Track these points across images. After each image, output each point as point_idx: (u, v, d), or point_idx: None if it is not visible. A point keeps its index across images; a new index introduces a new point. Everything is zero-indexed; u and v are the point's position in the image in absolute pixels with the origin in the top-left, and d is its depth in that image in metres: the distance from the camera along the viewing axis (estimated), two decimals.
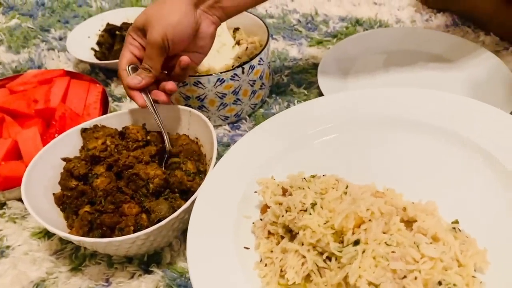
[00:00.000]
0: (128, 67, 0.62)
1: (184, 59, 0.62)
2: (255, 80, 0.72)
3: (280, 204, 0.46)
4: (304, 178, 0.49)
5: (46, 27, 1.04)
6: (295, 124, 0.57)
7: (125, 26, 0.91)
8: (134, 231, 0.53)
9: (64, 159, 0.61)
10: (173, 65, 0.63)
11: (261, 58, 0.71)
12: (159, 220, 0.53)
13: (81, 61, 0.89)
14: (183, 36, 0.60)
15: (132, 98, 0.62)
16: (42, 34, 1.02)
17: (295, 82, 0.82)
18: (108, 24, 0.93)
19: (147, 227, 0.52)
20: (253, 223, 0.49)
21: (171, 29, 0.59)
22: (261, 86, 0.75)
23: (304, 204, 0.44)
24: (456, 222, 0.44)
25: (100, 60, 0.89)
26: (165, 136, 0.62)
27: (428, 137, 0.52)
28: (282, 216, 0.45)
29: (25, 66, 0.93)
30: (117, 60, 0.84)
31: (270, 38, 0.74)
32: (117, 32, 0.90)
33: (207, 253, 0.45)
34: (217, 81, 0.69)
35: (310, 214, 0.43)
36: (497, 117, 0.51)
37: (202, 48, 0.65)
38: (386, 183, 0.47)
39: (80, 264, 0.58)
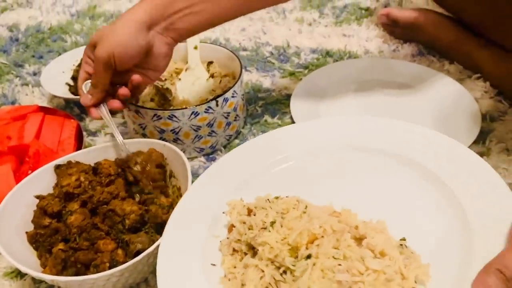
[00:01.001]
0: (85, 84, 0.66)
1: (136, 77, 0.64)
2: (229, 112, 0.74)
3: (244, 223, 0.50)
4: (268, 200, 0.52)
5: (20, 62, 1.04)
6: (261, 152, 0.61)
7: None
8: (110, 268, 0.53)
9: (37, 197, 0.60)
10: (127, 80, 0.66)
11: (234, 91, 0.73)
12: (138, 252, 0.53)
13: (55, 96, 0.89)
14: (131, 54, 0.62)
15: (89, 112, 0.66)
16: (16, 69, 1.02)
17: (269, 112, 0.84)
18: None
19: (123, 263, 0.52)
20: (220, 241, 0.52)
21: (119, 47, 0.61)
22: (235, 117, 0.76)
23: (265, 222, 0.48)
24: (404, 239, 0.47)
25: (75, 95, 0.89)
26: (118, 139, 0.65)
27: (381, 162, 0.56)
28: (245, 234, 0.49)
29: None
30: None
31: (243, 71, 0.76)
32: None
33: (177, 269, 0.48)
34: (191, 114, 0.70)
35: (269, 231, 0.47)
36: (448, 145, 0.55)
37: (156, 67, 0.67)
38: (344, 204, 0.51)
39: None
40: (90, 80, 0.65)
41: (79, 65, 0.92)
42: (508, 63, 0.81)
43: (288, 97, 0.84)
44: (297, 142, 0.61)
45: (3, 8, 1.25)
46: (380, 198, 0.53)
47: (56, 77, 0.92)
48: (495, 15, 0.79)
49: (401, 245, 0.46)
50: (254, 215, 0.50)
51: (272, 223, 0.48)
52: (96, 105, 0.65)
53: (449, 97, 0.81)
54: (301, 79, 0.88)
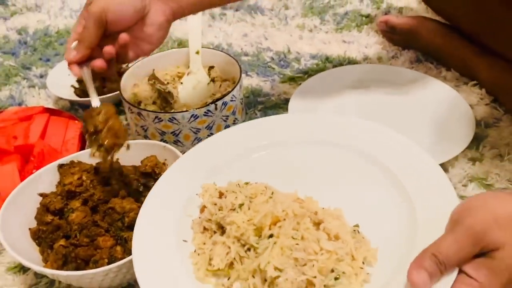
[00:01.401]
0: (74, 44, 0.63)
1: (123, 36, 0.62)
2: (228, 116, 0.76)
3: (215, 204, 0.54)
4: (238, 184, 0.57)
5: (28, 65, 1.07)
6: (237, 140, 0.65)
7: None
8: (108, 263, 0.55)
9: (40, 195, 0.63)
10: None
11: (233, 95, 0.75)
12: None
13: (61, 98, 0.92)
14: (123, 14, 0.62)
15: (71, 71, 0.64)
16: (23, 72, 1.04)
17: (268, 116, 0.85)
18: None
19: (121, 259, 0.54)
20: (193, 220, 0.56)
21: (113, 5, 0.61)
22: (234, 121, 0.78)
23: (234, 204, 0.53)
24: (357, 226, 0.52)
25: (80, 97, 0.91)
26: (94, 103, 0.62)
27: (346, 157, 0.62)
28: (216, 214, 0.53)
29: (5, 103, 0.95)
30: None
31: (242, 75, 0.78)
32: None
33: (151, 243, 0.52)
34: (191, 117, 0.72)
35: (238, 212, 0.52)
36: (405, 145, 0.60)
37: (150, 38, 0.65)
38: (307, 192, 0.56)
39: None
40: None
41: None
42: (504, 71, 0.82)
43: (287, 101, 0.85)
44: (273, 132, 0.66)
45: (13, 12, 1.28)
46: (341, 188, 0.58)
47: (61, 80, 0.94)
48: (490, 23, 0.81)
49: (354, 230, 0.51)
50: (225, 198, 0.54)
51: (241, 205, 0.52)
52: (80, 64, 0.63)
53: (445, 103, 0.82)
54: (300, 83, 0.90)
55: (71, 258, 0.56)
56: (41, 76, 1.03)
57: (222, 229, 0.53)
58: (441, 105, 0.82)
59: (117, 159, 0.67)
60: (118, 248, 0.57)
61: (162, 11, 0.65)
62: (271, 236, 0.49)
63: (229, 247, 0.50)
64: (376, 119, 0.81)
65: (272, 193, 0.55)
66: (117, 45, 0.63)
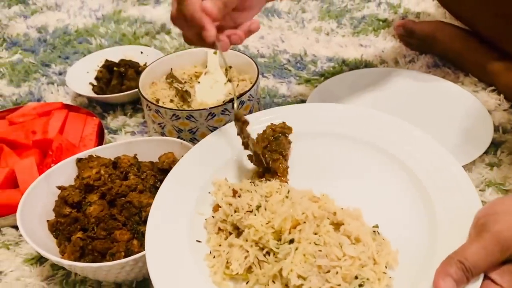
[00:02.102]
0: None
1: (257, 23, 0.60)
2: (245, 115, 0.76)
3: (230, 204, 0.53)
4: (253, 182, 0.56)
5: (47, 62, 1.08)
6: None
7: (123, 62, 0.96)
8: (125, 257, 0.55)
9: (59, 187, 0.63)
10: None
11: (250, 95, 0.75)
12: None
13: (79, 95, 0.93)
14: None
15: (201, 25, 0.52)
16: (43, 68, 1.06)
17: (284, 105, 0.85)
18: (106, 61, 0.97)
19: (138, 253, 0.55)
20: (206, 219, 0.54)
21: None
22: None
23: (251, 206, 0.51)
24: (376, 226, 0.51)
25: (98, 94, 0.92)
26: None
27: (364, 153, 0.60)
28: (231, 215, 0.52)
29: (25, 99, 0.97)
30: (114, 95, 0.89)
31: (260, 76, 0.79)
32: (114, 68, 0.94)
33: (164, 244, 0.51)
34: (208, 115, 0.72)
35: (255, 215, 0.50)
36: (427, 143, 0.59)
37: (244, 17, 0.61)
38: (323, 189, 0.54)
39: None
40: None
41: (103, 66, 0.96)
42: None
43: (303, 102, 0.86)
44: (290, 123, 0.63)
45: (33, 11, 1.31)
46: (357, 185, 0.57)
47: (80, 77, 0.96)
48: (508, 28, 0.80)
49: (374, 231, 0.50)
50: (239, 196, 0.53)
51: (258, 207, 0.51)
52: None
53: (463, 108, 0.82)
54: (316, 86, 0.90)
55: (88, 251, 0.57)
56: (60, 74, 1.04)
57: (237, 230, 0.51)
58: (459, 110, 0.82)
59: (135, 154, 0.68)
60: (135, 242, 0.57)
61: None
62: (291, 241, 0.48)
63: (247, 251, 0.49)
64: None
65: (288, 191, 0.53)
66: (246, 28, 0.59)
